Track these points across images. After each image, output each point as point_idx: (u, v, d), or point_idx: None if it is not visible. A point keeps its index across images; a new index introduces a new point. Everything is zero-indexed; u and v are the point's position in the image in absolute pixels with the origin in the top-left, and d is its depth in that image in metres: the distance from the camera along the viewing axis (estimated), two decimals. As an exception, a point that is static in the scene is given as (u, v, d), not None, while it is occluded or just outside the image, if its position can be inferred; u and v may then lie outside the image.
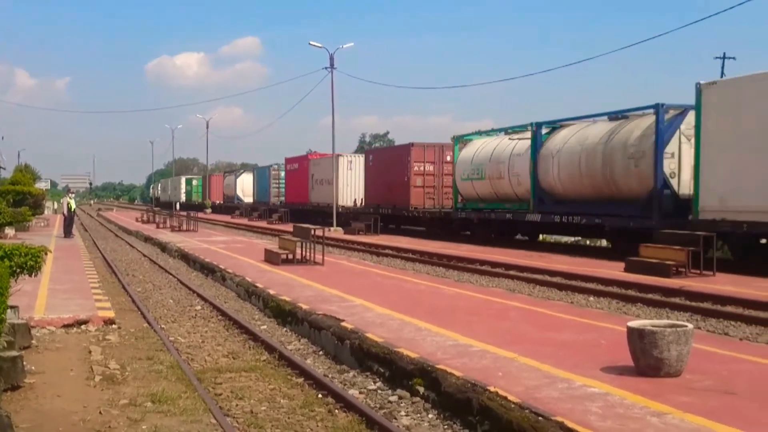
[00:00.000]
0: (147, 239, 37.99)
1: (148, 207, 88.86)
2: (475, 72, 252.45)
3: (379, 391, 9.19)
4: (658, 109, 22.80)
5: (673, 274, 18.46)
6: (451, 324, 11.52)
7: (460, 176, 34.72)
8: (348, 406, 8.45)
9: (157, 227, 47.76)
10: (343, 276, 18.98)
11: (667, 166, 22.73)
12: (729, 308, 14.70)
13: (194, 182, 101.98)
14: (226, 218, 64.82)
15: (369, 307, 13.46)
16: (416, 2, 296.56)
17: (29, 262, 11.39)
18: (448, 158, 37.85)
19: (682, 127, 22.69)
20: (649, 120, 23.40)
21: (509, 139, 31.63)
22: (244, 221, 58.29)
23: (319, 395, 9.05)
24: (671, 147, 22.77)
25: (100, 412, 8.02)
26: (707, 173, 20.46)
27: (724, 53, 52.90)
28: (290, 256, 22.24)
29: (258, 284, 17.05)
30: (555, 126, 29.05)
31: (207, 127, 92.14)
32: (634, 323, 8.47)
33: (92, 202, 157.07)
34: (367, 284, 17.18)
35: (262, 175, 72.82)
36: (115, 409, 8.19)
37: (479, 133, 36.65)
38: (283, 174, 65.33)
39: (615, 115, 25.94)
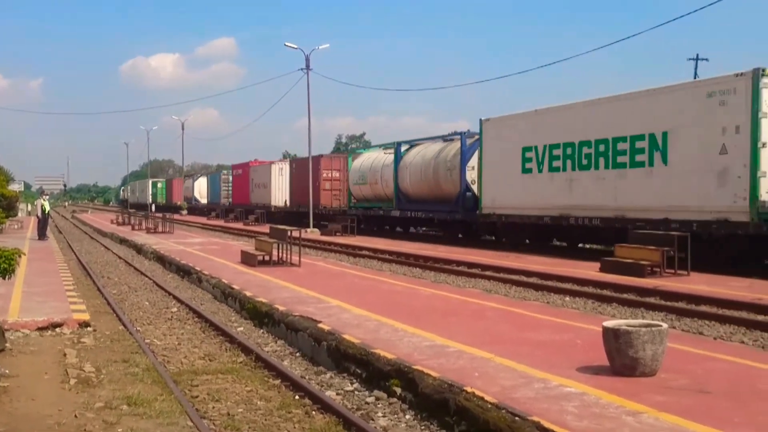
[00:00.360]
0: (122, 241, 37.77)
1: (119, 208, 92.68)
2: (451, 74, 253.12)
3: (356, 393, 9.19)
4: (462, 136, 32.89)
5: (647, 274, 18.60)
6: (428, 325, 11.54)
7: (351, 182, 44.35)
8: (325, 407, 8.45)
9: (133, 229, 47.47)
10: (320, 277, 18.97)
11: (469, 176, 32.02)
12: (703, 308, 14.83)
13: (159, 185, 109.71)
14: (202, 220, 64.58)
15: (346, 308, 13.46)
16: (392, 4, 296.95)
17: (2, 265, 11.29)
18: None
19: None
20: (458, 143, 32.97)
21: (384, 153, 40.79)
22: (220, 223, 58.12)
23: (296, 397, 9.04)
24: (473, 162, 31.75)
25: (75, 416, 7.96)
26: (485, 182, 30.29)
27: (697, 54, 53.59)
28: (267, 258, 22.19)
29: (234, 286, 17.00)
30: (412, 144, 38.32)
31: (183, 129, 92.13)
32: (610, 323, 8.52)
33: (67, 203, 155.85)
34: (343, 285, 17.17)
35: (214, 180, 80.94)
36: (91, 412, 8.14)
37: (366, 148, 49.81)
38: (231, 178, 73.06)
39: (446, 138, 35.47)
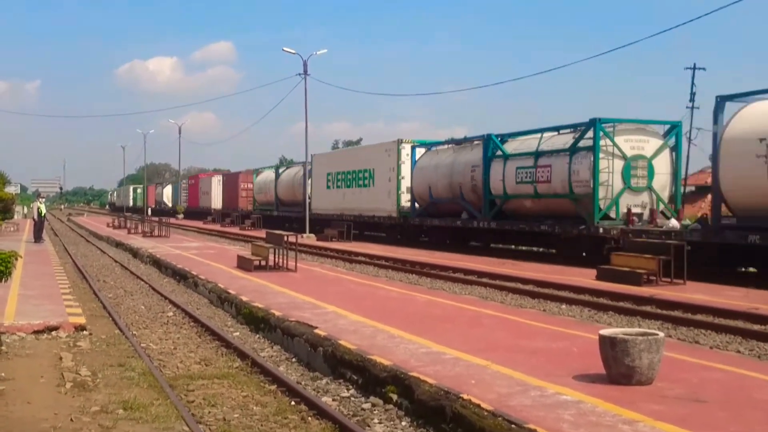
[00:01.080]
0: (118, 245, 37.75)
1: (108, 211, 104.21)
2: (448, 80, 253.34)
3: (353, 399, 9.19)
4: (304, 163, 48.49)
5: (644, 283, 18.61)
6: (425, 331, 11.54)
7: (255, 191, 63.47)
8: (321, 413, 8.45)
9: (129, 233, 47.43)
10: (316, 283, 18.96)
11: (308, 189, 47.76)
12: (699, 317, 14.84)
13: (138, 190, 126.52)
14: (198, 224, 64.54)
15: (342, 314, 13.46)
16: (390, 10, 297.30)
17: (-1, 268, 11.28)
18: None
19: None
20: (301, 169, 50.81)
21: (272, 171, 59.47)
22: (216, 227, 58.06)
23: (292, 402, 9.03)
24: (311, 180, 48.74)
25: (71, 419, 7.95)
26: (314, 193, 47.86)
27: (695, 64, 53.63)
28: (263, 263, 22.18)
29: (230, 291, 16.99)
30: (288, 166, 54.91)
31: (179, 133, 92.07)
32: (606, 331, 8.53)
33: (63, 206, 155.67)
34: (340, 291, 17.17)
35: (176, 188, 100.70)
36: (87, 416, 8.12)
37: (265, 168, 64.95)
38: (187, 187, 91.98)
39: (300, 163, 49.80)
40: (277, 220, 54.57)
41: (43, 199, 39.95)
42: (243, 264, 22.88)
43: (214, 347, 12.52)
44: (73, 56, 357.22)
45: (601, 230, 23.88)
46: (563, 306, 16.79)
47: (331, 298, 15.48)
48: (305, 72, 45.59)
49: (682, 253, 19.03)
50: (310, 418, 8.36)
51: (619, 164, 24.49)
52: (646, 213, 24.81)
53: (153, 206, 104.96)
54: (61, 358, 10.95)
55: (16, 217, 65.72)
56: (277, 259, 22.33)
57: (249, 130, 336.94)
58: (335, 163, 46.45)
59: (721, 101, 21.14)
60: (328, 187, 45.98)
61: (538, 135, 28.23)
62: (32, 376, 9.84)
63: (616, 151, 24.45)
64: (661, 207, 25.00)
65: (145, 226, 47.61)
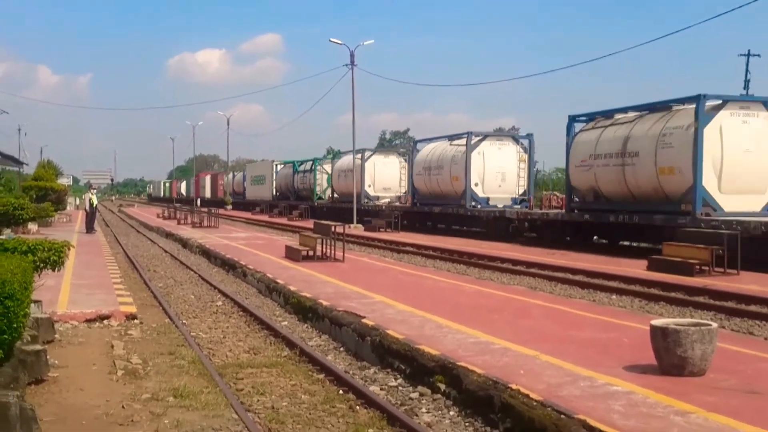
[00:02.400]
0: (168, 235, 38.18)
1: (146, 201, 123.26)
2: (497, 70, 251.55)
3: (400, 388, 9.18)
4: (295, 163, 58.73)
5: (696, 273, 18.34)
6: (473, 321, 11.48)
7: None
8: (369, 402, 8.45)
9: (178, 223, 47.96)
10: (364, 273, 18.99)
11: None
12: (753, 307, 14.58)
13: (166, 184, 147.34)
14: (247, 215, 65.02)
15: (390, 303, 13.45)
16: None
17: (52, 257, 11.46)
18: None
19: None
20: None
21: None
22: (265, 217, 58.45)
23: (340, 391, 9.05)
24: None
25: (122, 406, 8.06)
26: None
27: (749, 50, 52.62)
28: (311, 253, 22.26)
29: (279, 280, 17.08)
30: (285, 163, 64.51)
31: (228, 124, 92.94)
32: (658, 322, 8.41)
33: (114, 198, 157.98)
34: (387, 281, 17.17)
35: (189, 182, 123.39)
36: (138, 403, 8.23)
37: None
38: (195, 182, 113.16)
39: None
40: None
41: (95, 191, 40.59)
42: (291, 254, 22.99)
43: (263, 336, 12.60)
44: (123, 49, 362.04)
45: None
46: (613, 296, 16.60)
47: (378, 288, 15.48)
48: (352, 63, 45.61)
49: (736, 243, 18.70)
50: (357, 407, 8.36)
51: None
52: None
53: (176, 196, 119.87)
54: (112, 347, 11.10)
55: (68, 208, 66.78)
56: (324, 250, 22.39)
57: (297, 122, 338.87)
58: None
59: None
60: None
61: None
62: (85, 364, 10.00)
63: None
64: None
65: (194, 217, 48.06)
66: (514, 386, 7.63)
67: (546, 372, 8.30)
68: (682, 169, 22.82)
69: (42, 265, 11.32)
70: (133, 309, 13.77)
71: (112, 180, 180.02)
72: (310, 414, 8.14)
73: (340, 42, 46.19)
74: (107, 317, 13.12)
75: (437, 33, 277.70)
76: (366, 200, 48.09)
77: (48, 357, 9.31)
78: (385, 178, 49.61)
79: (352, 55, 45.57)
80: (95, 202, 37.97)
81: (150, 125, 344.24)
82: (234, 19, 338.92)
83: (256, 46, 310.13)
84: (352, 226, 39.77)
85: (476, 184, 35.84)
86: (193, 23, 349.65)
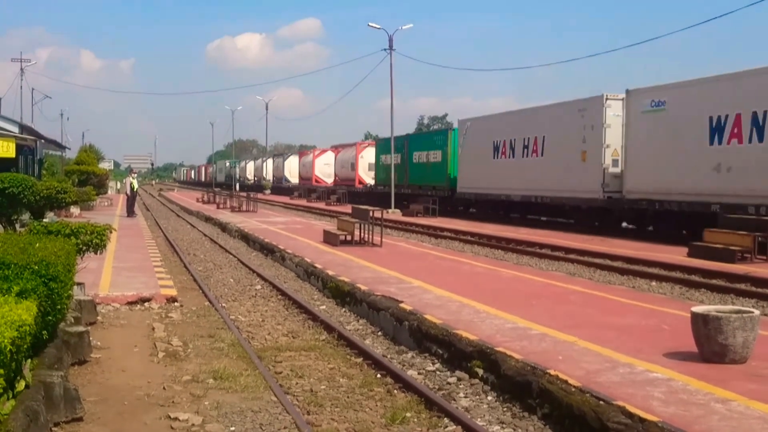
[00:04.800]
0: (207, 219, 38.47)
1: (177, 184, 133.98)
2: (537, 53, 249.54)
3: (438, 373, 9.19)
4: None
5: (738, 260, 18.10)
6: (511, 307, 11.45)
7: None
8: (407, 386, 8.48)
9: (218, 207, 48.32)
10: (401, 258, 19.00)
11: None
12: (796, 295, 14.35)
13: (183, 169, 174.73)
14: (285, 199, 65.31)
15: (427, 288, 13.46)
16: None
17: (94, 240, 11.65)
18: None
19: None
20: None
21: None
22: (303, 202, 58.66)
23: (378, 375, 9.08)
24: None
25: (163, 388, 8.17)
26: None
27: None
28: (348, 238, 22.32)
29: (317, 265, 17.16)
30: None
31: (266, 109, 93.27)
32: (699, 308, 8.32)
33: (154, 182, 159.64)
34: (425, 266, 17.17)
35: (220, 167, 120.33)
36: (178, 385, 8.34)
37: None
38: (217, 167, 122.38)
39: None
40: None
41: (135, 175, 41.01)
42: (329, 239, 23.06)
43: (301, 320, 12.67)
44: (164, 33, 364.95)
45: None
46: (653, 283, 16.44)
47: (416, 273, 15.49)
48: (390, 47, 45.52)
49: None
50: (395, 391, 8.39)
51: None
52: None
53: (208, 180, 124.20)
54: (153, 329, 11.25)
55: (109, 192, 67.57)
56: (362, 234, 22.43)
57: (336, 106, 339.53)
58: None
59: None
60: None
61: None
62: (126, 346, 10.15)
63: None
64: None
65: (233, 201, 48.39)
66: (552, 372, 7.61)
67: (584, 358, 8.27)
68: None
69: (84, 248, 11.52)
70: (173, 292, 13.93)
71: (152, 164, 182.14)
72: (348, 397, 8.18)
73: (378, 27, 46.12)
74: (148, 300, 13.28)
75: (478, 16, 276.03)
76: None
77: (90, 338, 9.46)
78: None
79: (390, 40, 45.50)
80: (136, 186, 38.37)
81: (190, 110, 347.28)
82: (274, 3, 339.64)
83: (296, 30, 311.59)
84: (389, 211, 39.80)
85: None
86: (233, 8, 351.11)
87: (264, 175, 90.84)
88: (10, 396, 5.82)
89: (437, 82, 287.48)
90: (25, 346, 6.07)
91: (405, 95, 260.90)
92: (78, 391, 7.07)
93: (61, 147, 57.80)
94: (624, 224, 28.47)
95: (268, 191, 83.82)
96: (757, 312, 8.25)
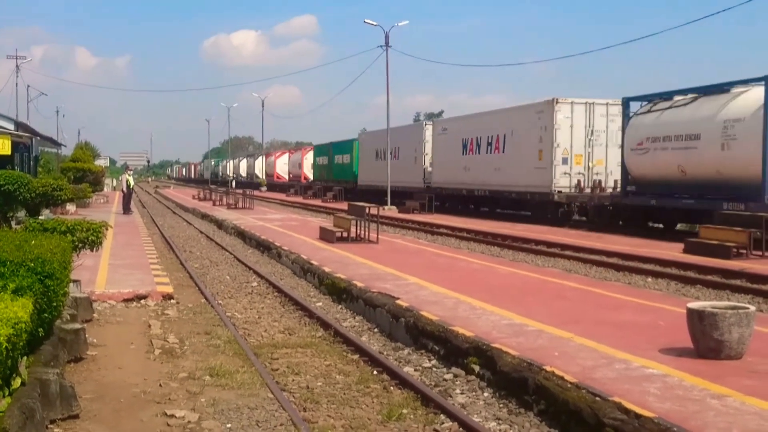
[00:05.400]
0: (204, 216, 38.45)
1: (173, 182, 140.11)
2: (532, 50, 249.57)
3: (434, 369, 9.20)
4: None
5: (733, 256, 18.13)
6: (507, 303, 11.46)
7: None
8: (403, 383, 8.48)
9: (214, 205, 48.28)
10: (398, 254, 19.00)
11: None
12: (792, 291, 14.38)
13: (177, 167, 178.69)
14: (281, 196, 65.30)
15: (423, 285, 13.47)
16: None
17: (90, 237, 11.62)
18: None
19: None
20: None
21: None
22: (299, 199, 58.65)
23: (374, 372, 9.09)
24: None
25: (159, 385, 8.17)
26: None
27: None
28: (345, 234, 22.32)
29: (313, 262, 17.16)
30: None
31: (262, 106, 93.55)
32: (694, 305, 8.34)
33: (150, 179, 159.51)
34: (421, 263, 17.17)
35: (184, 167, 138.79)
36: (175, 382, 8.34)
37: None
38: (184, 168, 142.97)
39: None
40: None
41: (131, 172, 40.93)
42: (325, 235, 23.06)
43: (298, 317, 12.67)
44: (159, 31, 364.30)
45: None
46: (649, 279, 16.47)
47: (412, 270, 15.49)
48: (386, 44, 45.49)
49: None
50: (392, 388, 8.39)
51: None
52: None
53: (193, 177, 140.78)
54: (149, 326, 11.25)
55: (105, 189, 67.49)
56: (358, 231, 22.44)
57: (332, 103, 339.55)
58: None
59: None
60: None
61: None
62: (122, 343, 10.14)
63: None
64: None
65: (229, 198, 48.35)
66: (548, 368, 7.62)
67: (580, 354, 8.28)
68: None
69: (80, 245, 11.49)
70: (169, 289, 13.92)
71: (148, 161, 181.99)
72: (344, 394, 8.19)
73: (374, 23, 46.11)
74: (144, 297, 13.28)
75: (474, 12, 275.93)
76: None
77: (87, 336, 9.46)
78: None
79: (386, 36, 45.47)
80: (132, 183, 38.33)
81: (186, 107, 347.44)
82: (269, 0, 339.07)
83: (292, 27, 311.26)
84: (386, 207, 39.79)
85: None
86: (229, 5, 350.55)
87: (240, 172, 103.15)
88: (6, 393, 5.82)
89: (433, 79, 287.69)
90: (21, 344, 6.06)
91: (401, 92, 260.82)
92: (74, 388, 7.06)
93: (56, 144, 57.66)
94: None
95: (264, 188, 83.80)
96: (752, 308, 8.26)
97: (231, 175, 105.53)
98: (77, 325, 9.26)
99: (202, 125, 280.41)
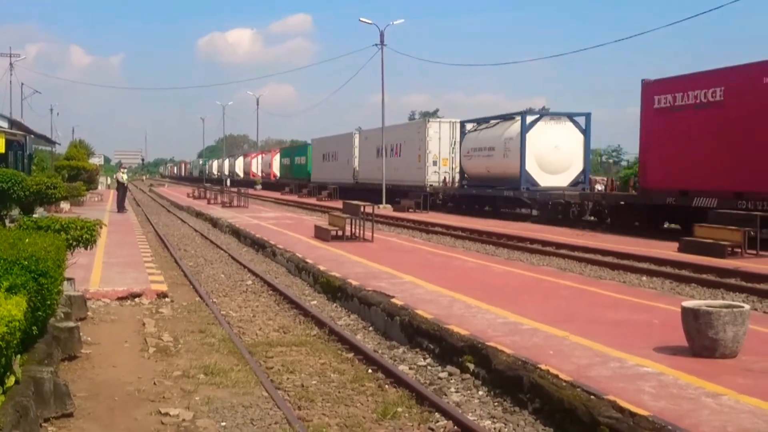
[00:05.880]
0: (198, 215, 38.40)
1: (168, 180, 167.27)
2: (527, 50, 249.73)
3: (429, 368, 9.20)
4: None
5: (728, 255, 18.16)
6: (502, 302, 11.47)
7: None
8: (398, 381, 8.48)
9: (208, 203, 48.21)
10: (393, 253, 19.00)
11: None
12: (786, 290, 14.40)
13: (168, 165, 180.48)
14: (276, 195, 65.24)
15: (418, 283, 13.46)
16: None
17: (85, 236, 11.59)
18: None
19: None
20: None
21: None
22: (294, 198, 58.63)
23: (369, 370, 9.08)
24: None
25: (154, 383, 8.16)
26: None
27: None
28: (340, 233, 22.30)
29: (308, 260, 17.14)
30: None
31: (257, 104, 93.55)
32: (689, 303, 8.35)
33: (144, 177, 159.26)
34: (416, 261, 17.17)
35: (175, 165, 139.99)
36: (169, 380, 8.33)
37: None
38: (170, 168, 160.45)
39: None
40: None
41: (125, 170, 40.86)
42: (320, 234, 23.04)
43: (292, 315, 12.66)
44: (154, 28, 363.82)
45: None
46: (644, 278, 16.49)
47: (407, 268, 15.49)
48: (382, 42, 45.54)
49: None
50: (387, 386, 8.39)
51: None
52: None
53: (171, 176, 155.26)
54: (144, 324, 11.23)
55: (99, 187, 67.36)
56: (353, 230, 22.42)
57: (327, 102, 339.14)
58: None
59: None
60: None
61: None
62: (117, 341, 10.12)
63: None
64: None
65: (224, 196, 48.29)
66: (543, 367, 7.62)
67: (575, 353, 8.28)
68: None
69: (74, 243, 11.46)
70: (164, 287, 13.90)
71: (143, 160, 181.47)
72: (339, 392, 8.18)
73: (370, 21, 46.18)
74: (139, 295, 13.25)
75: (469, 11, 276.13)
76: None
77: (81, 334, 9.43)
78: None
79: (381, 35, 45.54)
80: (125, 179, 38.28)
81: (181, 105, 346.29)
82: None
83: (287, 26, 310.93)
84: (381, 206, 39.79)
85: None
86: (223, 2, 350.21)
87: (224, 171, 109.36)
88: (0, 391, 5.80)
89: (429, 78, 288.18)
90: (15, 342, 6.04)
91: (396, 91, 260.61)
92: (68, 386, 7.04)
93: (51, 142, 57.52)
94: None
95: (258, 186, 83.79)
96: (747, 307, 8.28)
97: (216, 173, 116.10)
98: (71, 324, 9.24)
99: (197, 123, 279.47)
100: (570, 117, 34.47)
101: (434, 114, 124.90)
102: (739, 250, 18.36)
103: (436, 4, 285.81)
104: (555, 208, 30.89)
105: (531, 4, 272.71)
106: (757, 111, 20.88)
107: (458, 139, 40.33)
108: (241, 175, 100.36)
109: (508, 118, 35.97)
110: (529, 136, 32.87)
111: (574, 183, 33.51)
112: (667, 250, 19.74)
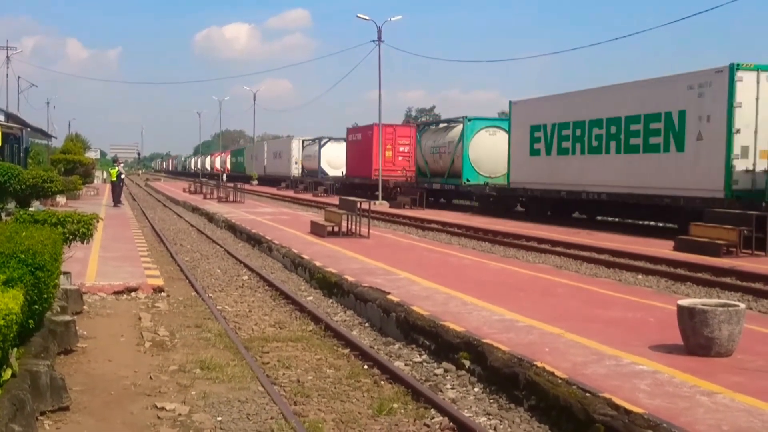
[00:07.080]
0: (194, 209, 38.37)
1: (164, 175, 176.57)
2: (524, 47, 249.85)
3: (425, 364, 9.22)
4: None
5: (723, 254, 18.19)
6: (498, 299, 11.48)
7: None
8: (394, 377, 8.49)
9: (204, 198, 48.16)
10: (389, 249, 19.00)
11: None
12: (781, 289, 14.44)
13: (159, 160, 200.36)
14: (272, 190, 65.17)
15: (415, 280, 13.47)
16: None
17: (81, 230, 11.57)
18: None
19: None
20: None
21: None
22: (290, 193, 58.55)
23: (365, 366, 9.09)
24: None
25: (150, 377, 8.16)
26: None
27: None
28: (336, 229, 22.31)
29: (304, 256, 17.14)
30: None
31: (254, 99, 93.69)
32: (685, 301, 8.36)
33: (140, 171, 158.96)
34: (412, 258, 17.18)
35: (177, 160, 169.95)
36: (165, 374, 8.33)
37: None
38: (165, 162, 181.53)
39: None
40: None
41: (122, 164, 40.78)
42: (316, 230, 23.04)
43: (288, 311, 12.67)
44: (152, 23, 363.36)
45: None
46: (639, 276, 16.51)
47: (403, 265, 15.50)
48: (379, 39, 45.48)
49: (765, 223, 18.53)
50: (382, 382, 8.40)
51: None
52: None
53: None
54: (140, 319, 11.22)
55: (95, 181, 67.23)
56: (350, 226, 22.43)
57: (324, 97, 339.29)
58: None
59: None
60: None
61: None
62: (113, 335, 10.12)
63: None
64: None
65: (220, 191, 48.24)
66: (539, 364, 7.64)
67: (571, 350, 8.30)
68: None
69: (71, 237, 11.44)
70: (160, 282, 13.89)
71: (138, 154, 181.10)
72: (335, 388, 8.19)
73: (367, 18, 46.08)
74: (135, 290, 13.24)
75: (467, 7, 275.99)
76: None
77: (77, 328, 9.43)
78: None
79: (379, 31, 45.49)
80: (122, 173, 38.24)
81: (177, 100, 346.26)
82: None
83: (284, 21, 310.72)
84: (377, 202, 39.79)
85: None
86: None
87: (204, 165, 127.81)
88: (-4, 385, 5.80)
89: (426, 74, 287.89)
90: (12, 335, 6.03)
91: (393, 87, 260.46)
92: (64, 380, 7.04)
93: (47, 136, 57.49)
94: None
95: (254, 182, 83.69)
96: (742, 305, 8.30)
97: (193, 168, 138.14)
98: (68, 317, 9.23)
99: (194, 118, 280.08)
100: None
101: (431, 110, 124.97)
102: (735, 250, 18.38)
103: (434, 1, 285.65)
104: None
105: (530, 3, 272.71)
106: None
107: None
108: (209, 169, 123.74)
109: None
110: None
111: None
112: (663, 248, 19.77)
